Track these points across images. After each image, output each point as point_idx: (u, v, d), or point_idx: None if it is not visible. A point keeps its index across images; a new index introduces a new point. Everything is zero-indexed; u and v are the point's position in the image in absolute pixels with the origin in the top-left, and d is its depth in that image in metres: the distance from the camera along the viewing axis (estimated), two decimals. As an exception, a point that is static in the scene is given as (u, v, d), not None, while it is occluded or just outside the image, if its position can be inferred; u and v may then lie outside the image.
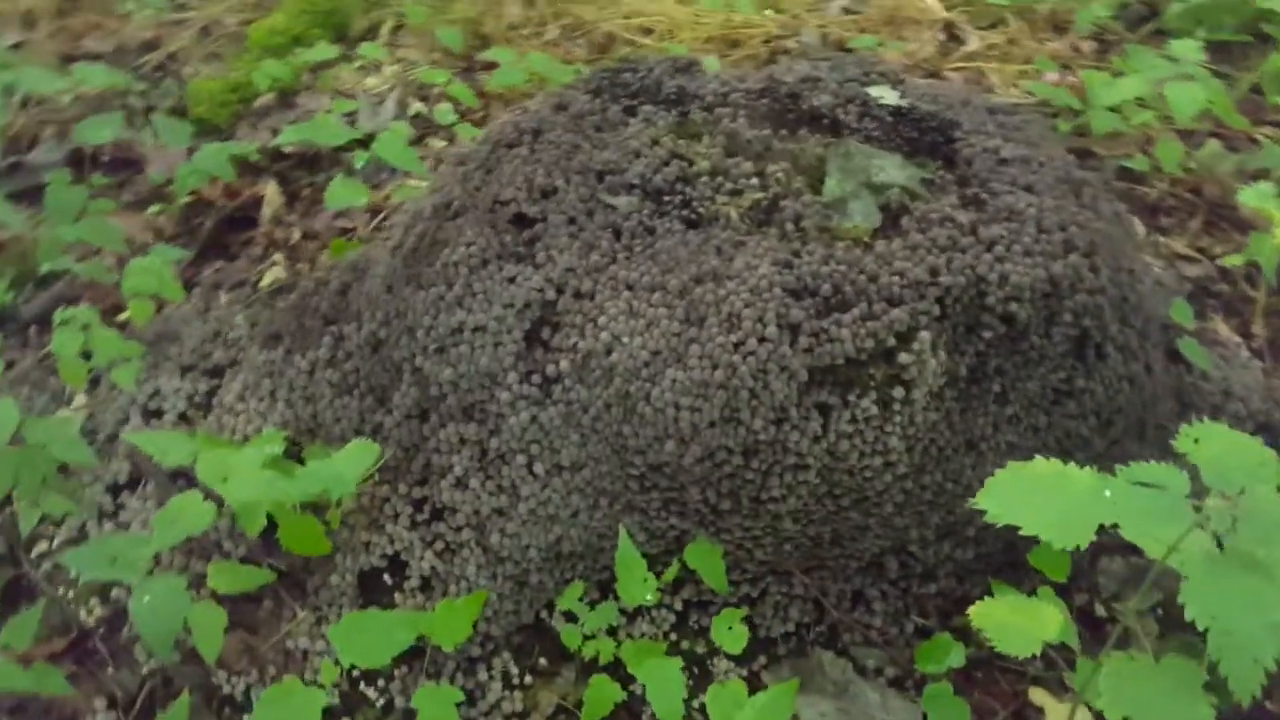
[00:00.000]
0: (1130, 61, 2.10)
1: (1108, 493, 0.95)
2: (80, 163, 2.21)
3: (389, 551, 1.38)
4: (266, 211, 2.08)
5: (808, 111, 1.53)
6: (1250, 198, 1.63)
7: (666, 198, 1.38)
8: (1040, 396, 1.37)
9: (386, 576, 1.39)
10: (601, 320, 1.28)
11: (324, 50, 2.35)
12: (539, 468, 1.33)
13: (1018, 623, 1.04)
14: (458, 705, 1.27)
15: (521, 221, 1.38)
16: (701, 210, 1.36)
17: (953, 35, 2.60)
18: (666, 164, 1.41)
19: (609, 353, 1.27)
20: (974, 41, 2.57)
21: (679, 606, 1.37)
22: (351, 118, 2.27)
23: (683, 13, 2.55)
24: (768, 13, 2.65)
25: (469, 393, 1.33)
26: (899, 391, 1.27)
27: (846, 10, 2.66)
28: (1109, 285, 1.36)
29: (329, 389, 1.42)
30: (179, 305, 1.77)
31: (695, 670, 1.35)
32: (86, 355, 1.48)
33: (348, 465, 1.31)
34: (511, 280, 1.33)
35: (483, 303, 1.32)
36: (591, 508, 1.34)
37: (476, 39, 2.49)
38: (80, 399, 1.69)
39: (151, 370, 1.63)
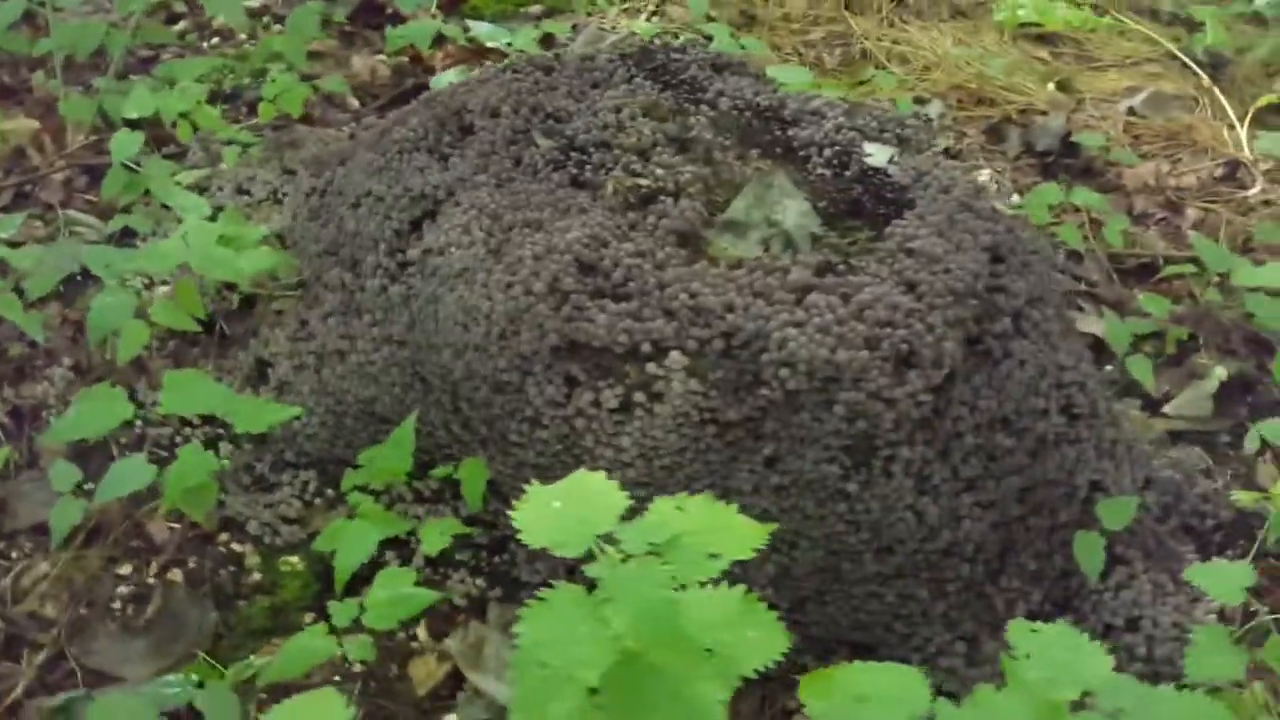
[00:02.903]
0: None
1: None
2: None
3: (272, 352, 1.65)
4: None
5: (787, 140, 1.52)
6: None
7: (577, 154, 1.47)
8: (816, 483, 1.31)
9: (270, 370, 1.67)
10: (446, 226, 1.43)
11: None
12: (377, 331, 1.52)
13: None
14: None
15: (464, 129, 1.55)
16: (592, 176, 1.44)
17: (1234, 175, 2.26)
18: (605, 129, 1.50)
19: (440, 254, 1.42)
20: (1257, 186, 2.21)
21: (428, 494, 1.52)
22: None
23: (952, 56, 2.46)
24: (1051, 86, 2.47)
25: (359, 248, 1.55)
26: (642, 398, 1.30)
27: (1132, 111, 2.40)
28: (906, 400, 1.25)
29: (308, 214, 1.71)
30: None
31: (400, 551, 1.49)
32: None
33: (281, 264, 1.63)
34: (421, 169, 1.51)
35: (392, 179, 1.52)
36: (406, 386, 1.51)
37: (744, 17, 2.61)
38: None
39: (262, 161, 2.02)
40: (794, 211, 1.40)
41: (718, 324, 1.29)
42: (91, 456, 1.67)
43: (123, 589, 1.58)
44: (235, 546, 1.61)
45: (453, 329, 1.38)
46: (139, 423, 1.68)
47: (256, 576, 1.57)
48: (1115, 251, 2.02)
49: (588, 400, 1.31)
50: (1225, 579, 1.20)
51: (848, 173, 1.48)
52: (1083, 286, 1.96)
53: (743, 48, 2.22)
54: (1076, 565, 1.40)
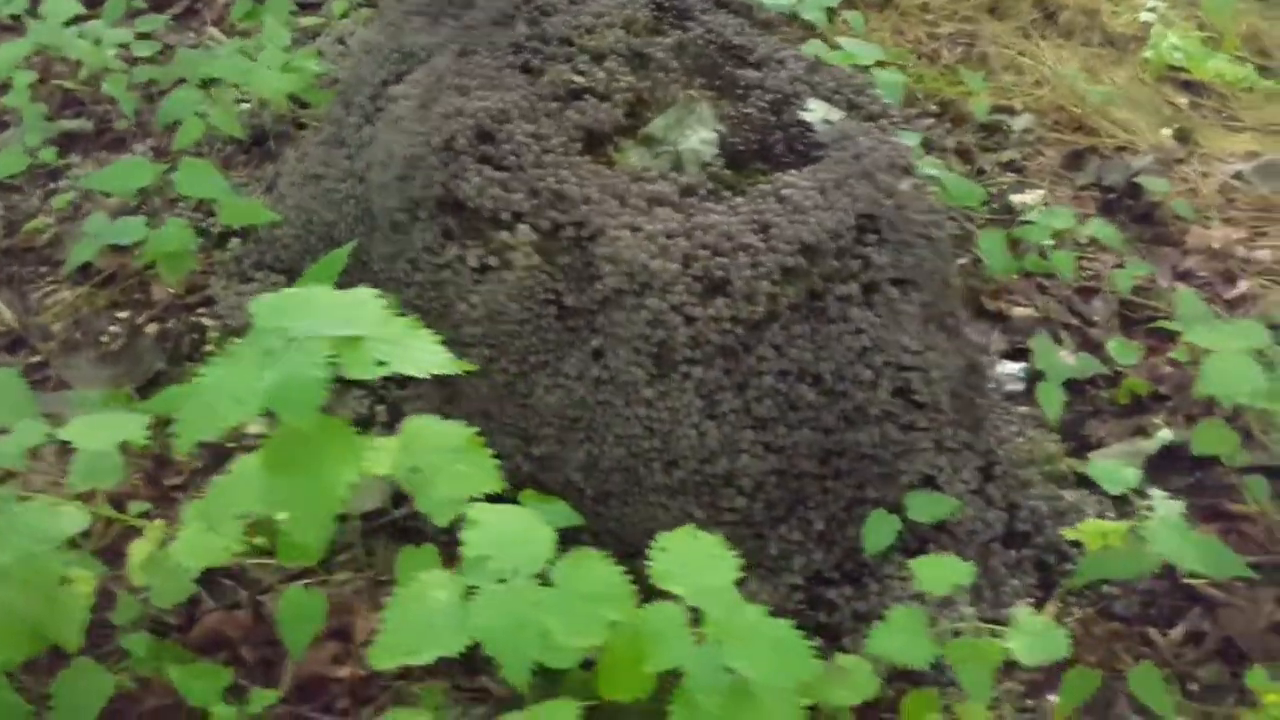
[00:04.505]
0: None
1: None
2: None
3: (281, 168, 1.89)
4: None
5: (736, 78, 1.58)
6: None
7: (542, 44, 1.59)
8: (627, 384, 1.39)
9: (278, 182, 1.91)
10: (408, 79, 1.60)
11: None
12: (347, 164, 1.71)
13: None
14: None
15: (467, 4, 1.70)
16: (540, 64, 1.57)
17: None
18: (576, 29, 1.61)
19: (391, 102, 1.59)
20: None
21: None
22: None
23: (1068, 78, 2.37)
24: (1166, 131, 2.34)
25: (355, 90, 1.75)
26: (495, 262, 1.42)
27: (1240, 176, 2.23)
28: (706, 321, 1.31)
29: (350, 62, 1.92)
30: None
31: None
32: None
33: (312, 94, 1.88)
34: (416, 30, 1.69)
35: (392, 34, 1.71)
36: (358, 217, 1.70)
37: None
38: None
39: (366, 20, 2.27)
40: (695, 138, 1.47)
41: (573, 212, 1.39)
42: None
43: (113, 327, 1.88)
44: (206, 321, 1.87)
45: (378, 167, 1.55)
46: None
47: (210, 347, 1.82)
48: (1131, 299, 1.93)
49: (454, 254, 1.45)
50: (940, 571, 1.20)
51: (775, 119, 1.53)
52: (1075, 321, 1.90)
53: (829, 20, 2.24)
54: (876, 543, 1.41)
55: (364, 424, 1.71)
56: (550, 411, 1.47)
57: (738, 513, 1.40)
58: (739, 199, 1.40)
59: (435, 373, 1.08)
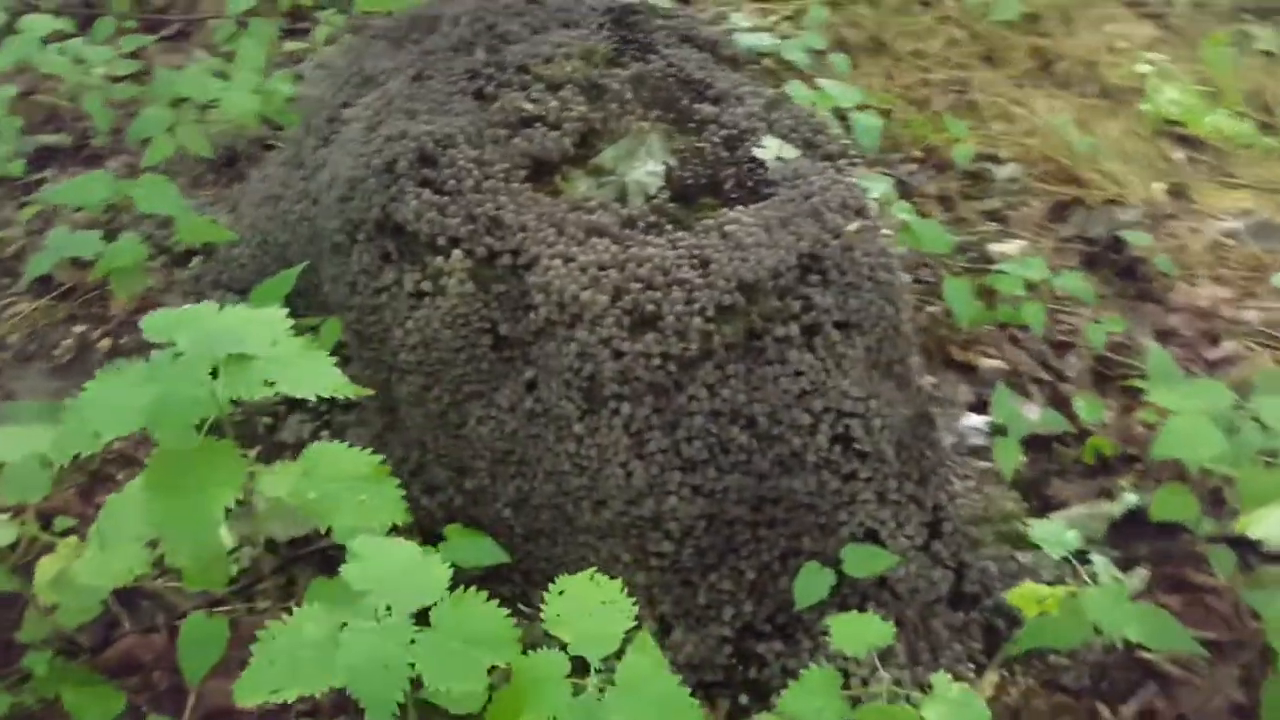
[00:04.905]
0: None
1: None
2: None
3: (244, 188, 1.88)
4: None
5: (692, 112, 1.55)
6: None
7: (498, 71, 1.57)
8: (559, 418, 1.35)
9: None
10: (351, 111, 1.58)
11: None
12: (302, 185, 1.70)
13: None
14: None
15: (430, 30, 1.69)
16: (494, 91, 1.54)
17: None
18: (534, 58, 1.58)
19: (344, 124, 1.57)
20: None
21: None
22: None
23: (1058, 128, 2.32)
24: (1158, 186, 2.28)
25: (314, 113, 1.74)
26: (430, 288, 1.39)
27: (1232, 234, 2.17)
28: (636, 357, 1.26)
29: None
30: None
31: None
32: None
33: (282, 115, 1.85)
34: (376, 55, 1.67)
35: (354, 58, 1.70)
36: (310, 238, 1.68)
37: (872, 42, 2.57)
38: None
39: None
40: (642, 170, 1.44)
41: (509, 239, 1.36)
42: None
43: (67, 341, 1.86)
44: (159, 338, 1.84)
45: (324, 189, 1.53)
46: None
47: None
48: (1107, 355, 1.87)
49: (391, 278, 1.42)
50: (858, 630, 1.14)
51: (728, 154, 1.49)
52: (1046, 376, 1.84)
53: (817, 58, 2.21)
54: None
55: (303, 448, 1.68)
56: (482, 444, 1.43)
57: (665, 558, 1.35)
58: (681, 233, 1.36)
59: (326, 394, 1.05)
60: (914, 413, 1.45)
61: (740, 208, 1.41)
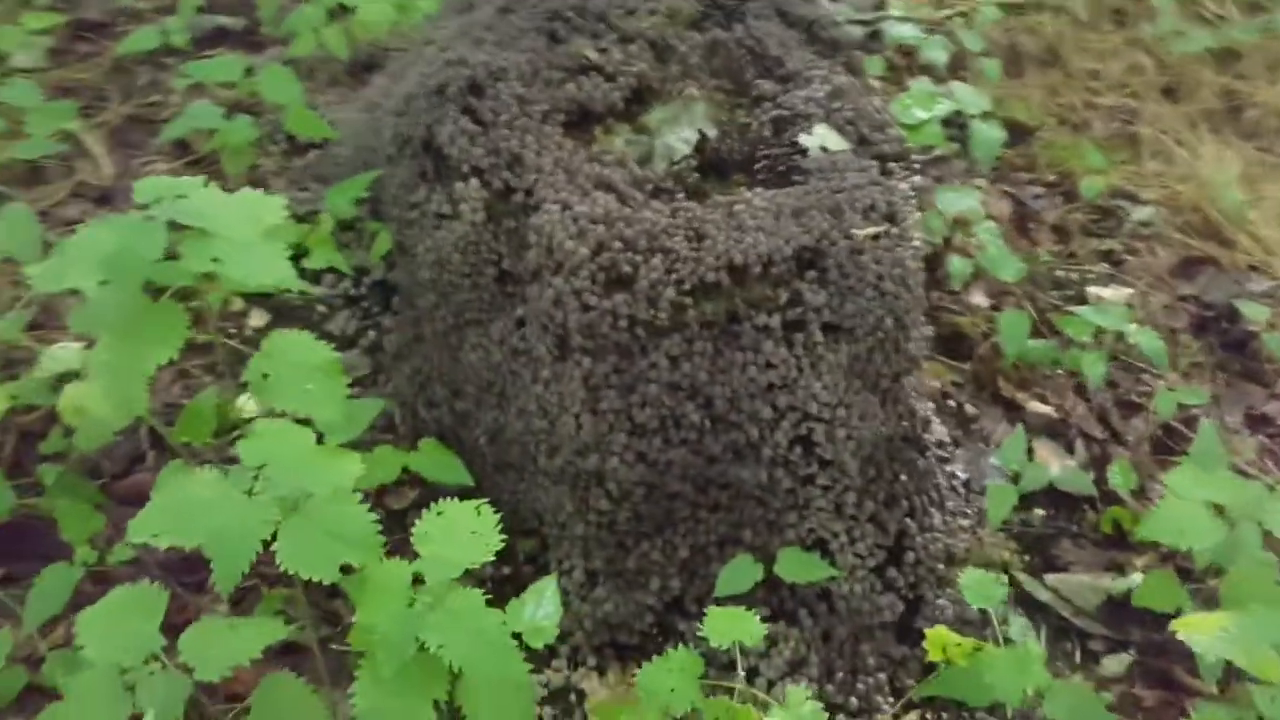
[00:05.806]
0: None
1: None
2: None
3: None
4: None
5: (751, 87, 1.53)
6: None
7: (579, 19, 1.59)
8: (537, 358, 1.39)
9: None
10: (451, 25, 1.65)
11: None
12: (390, 100, 1.79)
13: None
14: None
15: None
16: (567, 36, 1.57)
17: None
18: (618, 10, 1.60)
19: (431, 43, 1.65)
20: None
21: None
22: None
23: (1205, 178, 2.12)
24: None
25: (432, 23, 1.82)
26: (450, 211, 1.45)
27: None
28: (602, 313, 1.28)
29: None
30: None
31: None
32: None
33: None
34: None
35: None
36: (381, 149, 1.77)
37: (1048, 53, 2.41)
38: None
39: None
40: (675, 136, 1.44)
41: (525, 178, 1.40)
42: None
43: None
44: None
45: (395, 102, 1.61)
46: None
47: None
48: (1176, 426, 1.72)
49: (424, 195, 1.49)
50: (729, 625, 1.13)
51: (772, 135, 1.46)
52: (1100, 433, 1.71)
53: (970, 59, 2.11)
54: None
55: (350, 341, 1.79)
56: (473, 370, 1.49)
57: (604, 515, 1.36)
58: (690, 204, 1.36)
59: (268, 286, 1.12)
60: (894, 433, 1.40)
61: (759, 190, 1.39)
